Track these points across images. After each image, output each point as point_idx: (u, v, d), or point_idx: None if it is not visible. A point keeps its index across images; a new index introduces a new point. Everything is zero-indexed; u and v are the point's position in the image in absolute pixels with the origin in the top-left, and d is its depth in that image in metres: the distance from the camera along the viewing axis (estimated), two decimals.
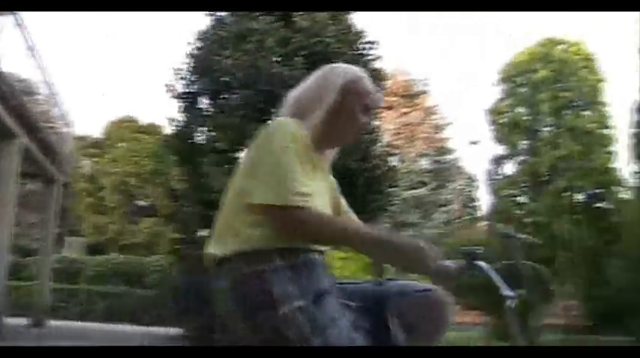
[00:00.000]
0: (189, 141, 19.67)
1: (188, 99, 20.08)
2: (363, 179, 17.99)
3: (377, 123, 22.17)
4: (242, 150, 19.29)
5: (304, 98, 2.83)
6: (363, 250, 2.62)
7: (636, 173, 16.39)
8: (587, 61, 27.56)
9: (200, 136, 19.94)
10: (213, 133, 19.28)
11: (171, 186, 23.62)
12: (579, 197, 21.76)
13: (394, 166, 26.38)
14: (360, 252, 2.63)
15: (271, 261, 2.51)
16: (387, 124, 43.51)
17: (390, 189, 22.43)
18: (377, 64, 21.31)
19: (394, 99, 48.01)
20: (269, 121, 2.69)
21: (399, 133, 49.68)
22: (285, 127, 2.64)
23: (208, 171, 15.12)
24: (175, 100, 20.18)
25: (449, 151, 52.28)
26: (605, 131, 23.27)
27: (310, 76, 2.94)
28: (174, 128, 20.26)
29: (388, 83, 33.16)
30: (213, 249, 2.64)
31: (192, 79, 20.13)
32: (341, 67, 2.94)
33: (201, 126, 19.89)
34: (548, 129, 22.53)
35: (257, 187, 2.53)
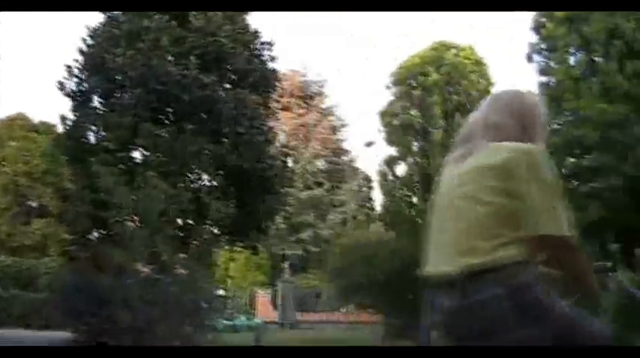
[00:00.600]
0: (81, 140, 19.17)
1: (79, 98, 19.59)
2: (256, 179, 17.90)
3: (272, 124, 22.16)
4: (133, 149, 19.01)
5: (508, 124, 2.98)
6: (581, 290, 3.00)
7: None
8: (478, 65, 28.12)
9: (91, 135, 19.48)
10: (104, 133, 18.85)
11: (62, 186, 23.03)
12: None
13: (289, 167, 26.44)
14: (575, 288, 2.99)
15: (530, 272, 2.76)
16: (283, 125, 43.55)
17: (284, 190, 22.43)
18: (272, 65, 21.32)
19: (290, 100, 48.12)
20: (511, 146, 2.86)
21: (294, 134, 49.77)
22: (547, 157, 2.87)
23: (98, 171, 14.80)
24: (67, 98, 19.67)
25: (344, 152, 52.69)
26: None
27: (501, 100, 3.12)
28: (65, 127, 19.72)
29: (284, 84, 33.19)
30: (464, 260, 2.77)
31: (84, 76, 19.64)
32: (534, 94, 3.33)
33: (93, 125, 19.41)
34: (439, 131, 22.80)
35: (541, 217, 2.77)
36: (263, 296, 35.32)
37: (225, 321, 26.05)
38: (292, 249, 47.12)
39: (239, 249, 22.79)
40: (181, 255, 8.61)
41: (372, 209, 46.35)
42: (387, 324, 26.14)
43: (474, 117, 3.15)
